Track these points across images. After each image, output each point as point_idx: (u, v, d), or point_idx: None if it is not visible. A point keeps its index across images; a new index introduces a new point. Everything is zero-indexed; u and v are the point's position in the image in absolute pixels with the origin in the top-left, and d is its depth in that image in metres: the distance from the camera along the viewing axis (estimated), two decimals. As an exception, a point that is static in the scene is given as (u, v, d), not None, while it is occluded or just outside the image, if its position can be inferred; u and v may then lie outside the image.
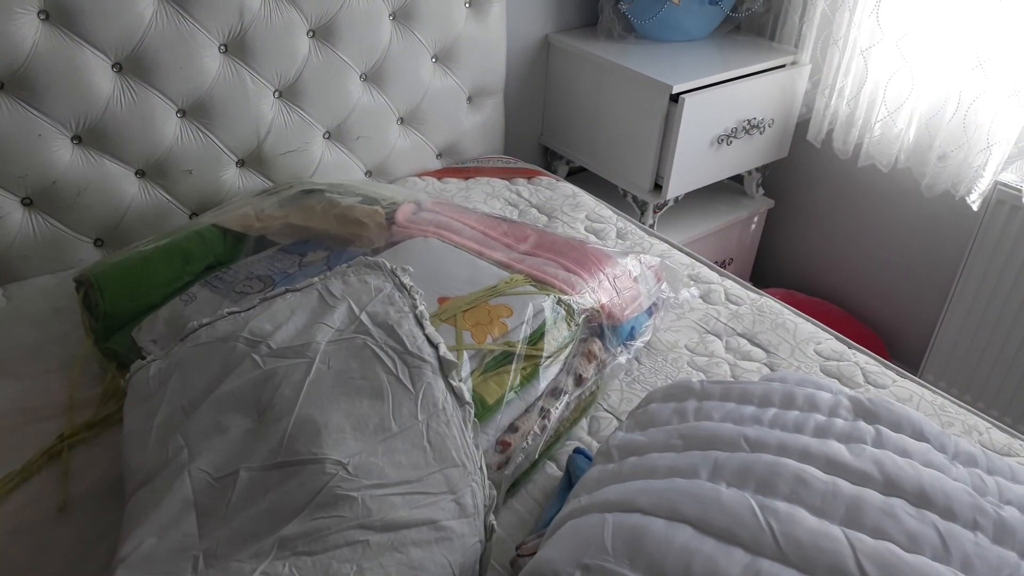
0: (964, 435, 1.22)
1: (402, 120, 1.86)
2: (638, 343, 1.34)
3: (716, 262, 2.30)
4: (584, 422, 1.23)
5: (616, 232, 1.73)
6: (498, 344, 1.12)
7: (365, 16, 1.67)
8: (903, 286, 2.22)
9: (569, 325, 1.21)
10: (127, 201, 1.52)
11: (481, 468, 0.93)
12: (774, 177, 2.39)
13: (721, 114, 1.95)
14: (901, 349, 2.27)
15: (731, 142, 2.00)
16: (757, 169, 2.29)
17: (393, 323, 1.03)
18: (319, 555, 0.79)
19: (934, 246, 2.11)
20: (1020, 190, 1.77)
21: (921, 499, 0.84)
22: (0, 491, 1.02)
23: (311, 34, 1.63)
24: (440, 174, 1.92)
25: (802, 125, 2.20)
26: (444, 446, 0.92)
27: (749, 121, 2.01)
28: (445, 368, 0.99)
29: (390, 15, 1.72)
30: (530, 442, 1.10)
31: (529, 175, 1.95)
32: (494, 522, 0.93)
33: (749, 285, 1.59)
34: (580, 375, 1.20)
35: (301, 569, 0.78)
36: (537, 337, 1.16)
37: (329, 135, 1.75)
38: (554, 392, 1.16)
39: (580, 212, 1.79)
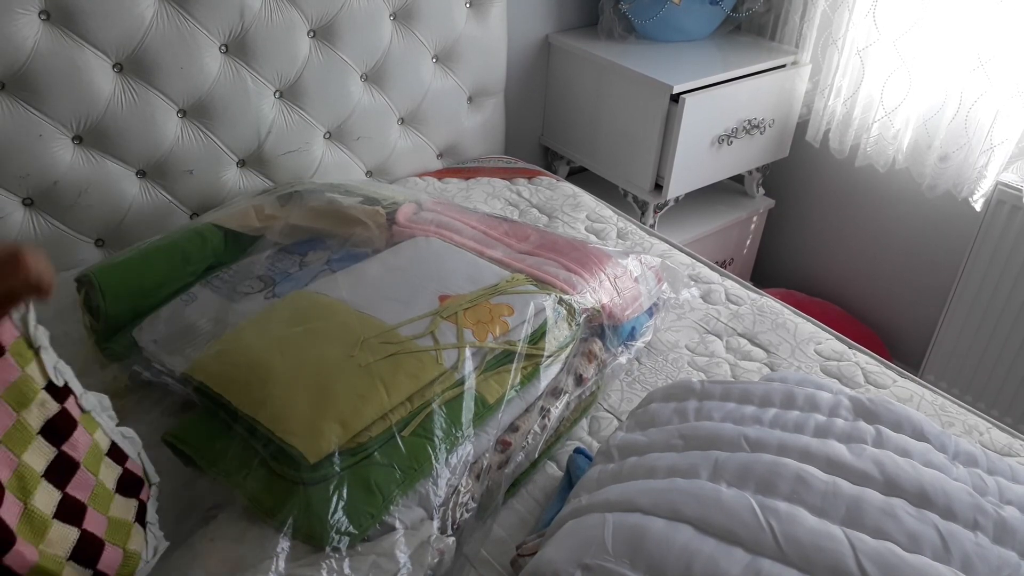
0: (964, 435, 1.22)
1: (403, 120, 1.86)
2: (639, 343, 1.34)
3: (716, 262, 2.30)
4: (584, 422, 1.23)
5: (616, 232, 1.73)
6: (499, 343, 1.12)
7: (366, 16, 1.67)
8: (904, 286, 2.22)
9: (570, 325, 1.21)
10: (128, 201, 1.52)
11: None
12: (775, 177, 2.39)
13: (721, 114, 1.95)
14: (902, 349, 2.27)
15: (731, 142, 2.00)
16: (758, 169, 2.29)
17: None
18: None
19: (935, 246, 2.11)
20: (1021, 190, 1.77)
21: (921, 499, 0.84)
22: (1, 491, 1.02)
23: (312, 34, 1.63)
24: (441, 174, 1.92)
25: (802, 125, 2.20)
26: None
27: (749, 121, 2.01)
28: None
29: (390, 15, 1.72)
30: (530, 441, 1.10)
31: (530, 175, 1.95)
32: None
33: (749, 285, 1.59)
34: (580, 375, 1.20)
35: None
36: (538, 336, 1.16)
37: (330, 135, 1.75)
38: (554, 392, 1.16)
39: (581, 212, 1.80)
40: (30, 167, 1.39)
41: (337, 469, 0.93)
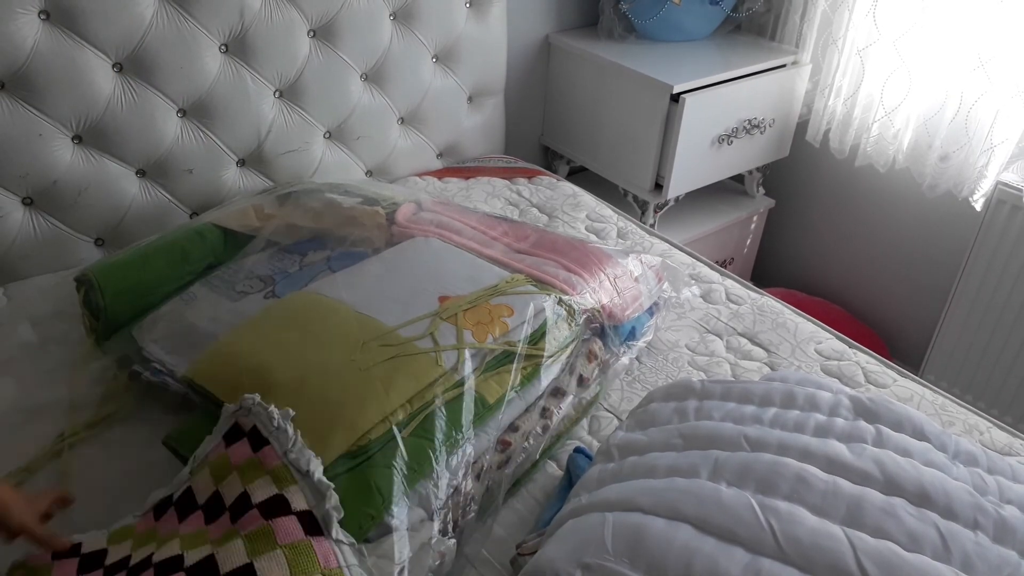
0: (965, 435, 1.22)
1: (403, 120, 1.86)
2: (639, 343, 1.34)
3: (717, 262, 2.29)
4: (584, 421, 1.23)
5: (617, 232, 1.72)
6: (499, 343, 1.12)
7: (366, 16, 1.67)
8: (904, 286, 2.22)
9: (570, 325, 1.21)
10: (128, 201, 1.52)
11: None
12: (775, 177, 2.39)
13: (722, 114, 1.95)
14: (902, 349, 2.27)
15: (732, 142, 2.00)
16: (758, 169, 2.29)
17: None
18: None
19: (935, 246, 2.11)
20: (1021, 190, 1.77)
21: (922, 498, 0.84)
22: (1, 490, 1.02)
23: (312, 34, 1.63)
24: (441, 174, 1.92)
25: (803, 125, 2.20)
26: None
27: (750, 121, 2.01)
28: None
29: (390, 15, 1.72)
30: (531, 442, 1.10)
31: (530, 175, 1.95)
32: None
33: (750, 285, 1.59)
34: (581, 375, 1.20)
35: None
36: (538, 337, 1.16)
37: (330, 135, 1.75)
38: (555, 392, 1.16)
39: (581, 212, 1.79)
40: (30, 166, 1.39)
41: (338, 471, 0.93)
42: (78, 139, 1.44)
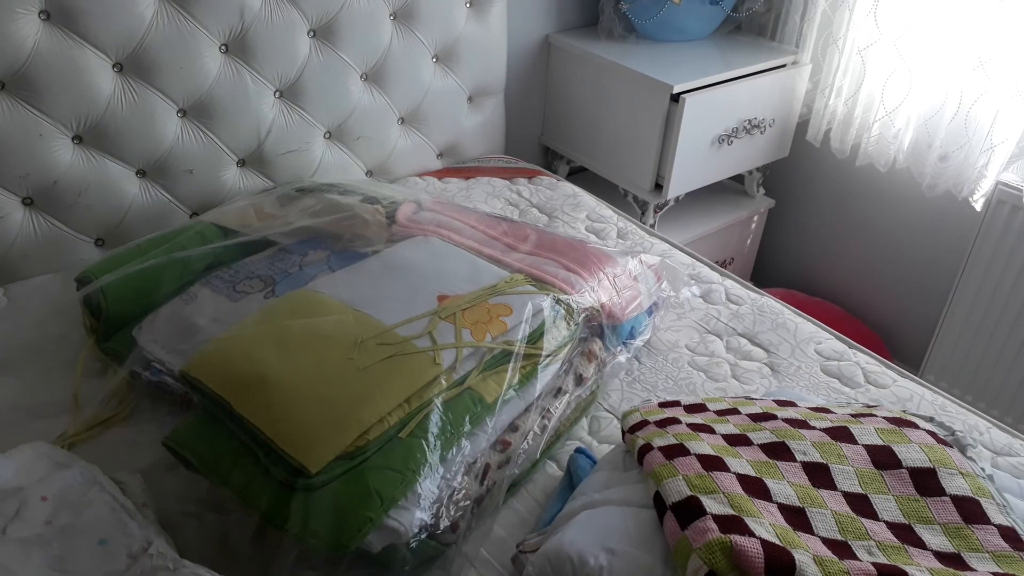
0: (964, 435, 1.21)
1: (403, 120, 1.86)
2: (638, 342, 1.34)
3: (717, 262, 2.30)
4: (584, 422, 1.23)
5: (617, 232, 1.73)
6: (497, 343, 1.12)
7: (366, 16, 1.67)
8: (904, 286, 2.22)
9: (569, 324, 1.21)
10: (128, 201, 1.52)
11: None
12: (775, 177, 2.39)
13: (722, 114, 1.95)
14: (902, 349, 2.27)
15: (732, 142, 2.00)
16: (758, 169, 2.29)
17: None
18: None
19: (935, 246, 2.11)
20: (1021, 190, 1.77)
21: None
22: (1, 490, 1.02)
23: (312, 34, 1.63)
24: (441, 174, 1.92)
25: (803, 125, 2.20)
26: None
27: (750, 121, 2.01)
28: None
29: (391, 15, 1.72)
30: (530, 441, 1.10)
31: (530, 175, 1.95)
32: None
33: (750, 285, 1.59)
34: (580, 374, 1.20)
35: None
36: (536, 336, 1.16)
37: (330, 135, 1.75)
38: (554, 391, 1.16)
39: (581, 212, 1.79)
40: (30, 166, 1.39)
41: (335, 473, 0.92)
42: (78, 139, 1.44)
